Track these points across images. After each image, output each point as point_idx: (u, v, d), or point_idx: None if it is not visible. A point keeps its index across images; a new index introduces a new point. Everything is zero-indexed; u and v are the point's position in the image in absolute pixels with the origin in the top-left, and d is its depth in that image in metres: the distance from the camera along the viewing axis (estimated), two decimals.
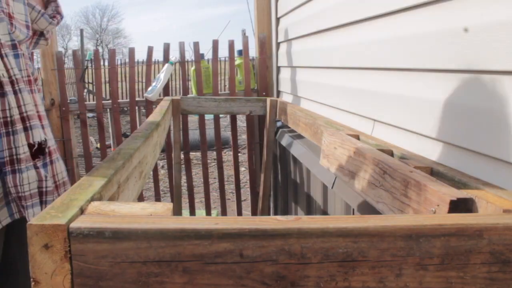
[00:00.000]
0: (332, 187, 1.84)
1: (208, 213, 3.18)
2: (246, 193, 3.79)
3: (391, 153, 1.09)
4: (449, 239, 0.58)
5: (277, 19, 3.05)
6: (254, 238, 0.53)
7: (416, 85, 1.15)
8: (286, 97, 2.83)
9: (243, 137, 4.25)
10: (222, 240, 0.53)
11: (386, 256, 0.57)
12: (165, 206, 0.60)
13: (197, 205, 3.44)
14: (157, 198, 3.04)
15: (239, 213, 3.18)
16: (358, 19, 1.55)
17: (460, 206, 0.75)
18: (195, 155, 5.02)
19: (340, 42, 1.79)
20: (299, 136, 2.35)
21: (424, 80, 1.11)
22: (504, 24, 0.82)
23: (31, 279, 0.54)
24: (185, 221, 0.55)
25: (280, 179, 2.97)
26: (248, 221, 0.55)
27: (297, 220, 0.56)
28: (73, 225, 0.53)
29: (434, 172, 0.94)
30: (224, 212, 3.19)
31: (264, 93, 3.08)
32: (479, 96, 0.89)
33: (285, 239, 0.54)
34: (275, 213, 3.15)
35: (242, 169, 3.48)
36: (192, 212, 3.10)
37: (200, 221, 0.55)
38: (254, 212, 3.13)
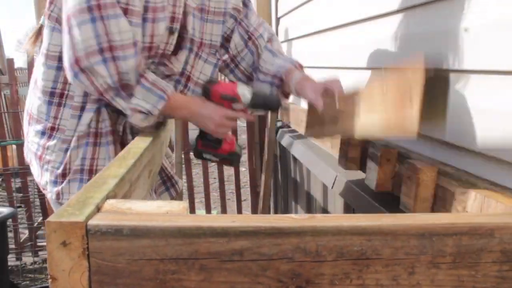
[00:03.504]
0: (332, 187, 1.85)
1: (208, 213, 3.18)
2: (246, 193, 3.79)
3: (396, 153, 1.10)
4: (461, 238, 0.58)
5: (277, 19, 3.06)
6: (270, 236, 0.54)
7: None
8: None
9: (243, 137, 4.26)
10: (238, 238, 0.53)
11: (399, 254, 0.57)
12: (181, 204, 0.60)
13: (197, 205, 3.44)
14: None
15: (239, 213, 3.19)
16: (358, 19, 1.56)
17: None
18: None
19: (340, 42, 1.80)
20: (300, 136, 2.36)
21: None
22: None
23: (49, 276, 0.54)
24: (202, 219, 0.55)
25: (280, 179, 2.98)
26: (264, 219, 0.56)
27: (312, 219, 0.57)
28: (91, 222, 0.53)
29: (441, 172, 0.94)
30: (224, 212, 3.19)
31: None
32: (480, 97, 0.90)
33: (301, 237, 0.55)
34: (276, 213, 3.15)
35: (242, 169, 3.48)
36: (192, 212, 3.11)
37: (217, 219, 0.56)
38: (254, 212, 3.14)
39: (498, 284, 0.60)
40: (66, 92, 1.20)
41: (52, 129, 1.20)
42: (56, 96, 1.20)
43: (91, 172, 1.21)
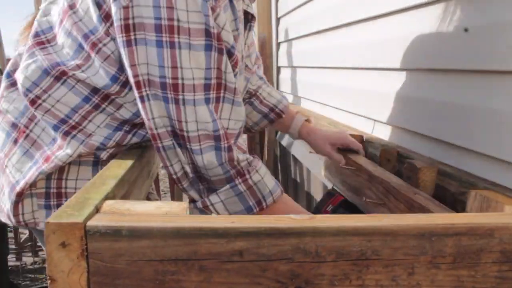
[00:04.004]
0: (332, 187, 1.85)
1: None
2: None
3: (396, 153, 1.10)
4: (460, 238, 0.58)
5: (277, 19, 3.06)
6: (270, 236, 0.54)
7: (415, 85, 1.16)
8: (286, 97, 2.84)
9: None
10: (238, 239, 0.53)
11: (399, 254, 0.57)
12: (181, 205, 0.60)
13: None
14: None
15: None
16: (358, 19, 1.56)
17: None
18: None
19: (340, 42, 1.80)
20: None
21: (422, 79, 1.12)
22: None
23: (48, 277, 0.54)
24: (202, 220, 0.55)
25: (280, 179, 2.98)
26: (264, 220, 0.56)
27: (312, 219, 0.57)
28: (90, 223, 0.53)
29: (441, 172, 0.94)
30: None
31: None
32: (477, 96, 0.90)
33: (300, 238, 0.54)
34: None
35: None
36: None
37: (216, 219, 0.56)
38: None
39: (498, 284, 0.60)
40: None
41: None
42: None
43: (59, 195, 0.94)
